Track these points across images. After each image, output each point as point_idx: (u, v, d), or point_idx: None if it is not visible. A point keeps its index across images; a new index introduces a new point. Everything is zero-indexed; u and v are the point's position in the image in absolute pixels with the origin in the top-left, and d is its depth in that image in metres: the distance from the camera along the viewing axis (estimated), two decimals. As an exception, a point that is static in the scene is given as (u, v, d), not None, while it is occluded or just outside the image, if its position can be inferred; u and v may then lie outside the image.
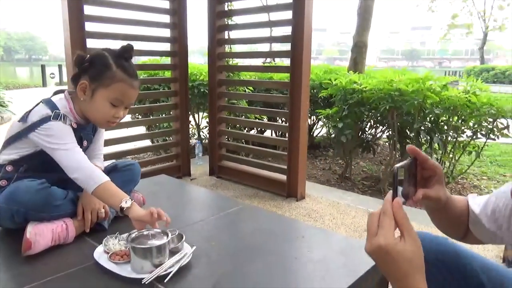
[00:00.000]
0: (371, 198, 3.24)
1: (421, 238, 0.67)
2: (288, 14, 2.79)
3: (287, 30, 2.99)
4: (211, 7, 3.29)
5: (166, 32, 3.28)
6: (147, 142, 4.10)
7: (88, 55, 1.28)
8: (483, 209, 0.84)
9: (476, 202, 0.86)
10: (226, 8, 3.34)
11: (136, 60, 4.35)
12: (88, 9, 2.70)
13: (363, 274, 1.01)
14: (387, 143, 4.54)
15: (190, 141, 3.96)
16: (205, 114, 4.84)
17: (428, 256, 0.66)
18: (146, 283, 0.93)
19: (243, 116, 3.97)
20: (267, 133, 4.77)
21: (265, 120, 4.46)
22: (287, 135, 3.05)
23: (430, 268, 0.67)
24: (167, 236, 1.03)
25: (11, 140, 1.24)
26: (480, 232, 0.84)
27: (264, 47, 3.66)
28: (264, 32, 3.16)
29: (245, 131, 4.35)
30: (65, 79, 18.89)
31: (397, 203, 0.63)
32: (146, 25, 3.18)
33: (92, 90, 1.24)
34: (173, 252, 1.05)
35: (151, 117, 3.88)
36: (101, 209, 1.24)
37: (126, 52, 1.27)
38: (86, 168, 1.16)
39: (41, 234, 1.09)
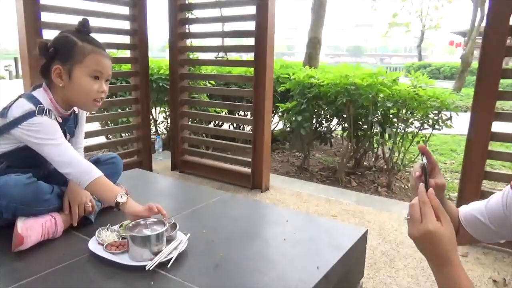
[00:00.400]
0: (330, 187, 3.41)
1: None
2: (251, 9, 2.84)
3: (243, 25, 3.06)
4: (172, 0, 3.27)
5: (126, 25, 3.21)
6: (102, 139, 3.98)
7: (49, 42, 1.25)
8: (484, 208, 0.97)
9: (473, 207, 0.97)
10: (187, 1, 3.33)
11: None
12: (44, -1, 2.58)
13: (348, 249, 1.11)
14: (339, 135, 4.76)
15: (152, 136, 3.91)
16: (162, 109, 4.80)
17: None
18: (150, 269, 0.96)
19: (204, 110, 3.98)
20: (224, 127, 4.80)
21: (223, 113, 4.50)
22: (251, 128, 3.12)
23: None
24: (164, 224, 1.06)
25: None
26: (479, 231, 0.95)
27: (228, 42, 3.69)
28: (226, 27, 3.17)
29: (209, 125, 4.36)
30: (21, 71, 17.28)
31: (432, 193, 0.74)
32: (105, 16, 3.09)
33: (68, 72, 1.22)
34: (168, 240, 1.08)
35: (108, 112, 3.78)
36: (88, 202, 1.23)
37: (85, 26, 1.27)
38: (79, 163, 1.16)
39: (31, 229, 1.07)
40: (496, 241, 0.98)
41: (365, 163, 4.08)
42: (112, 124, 3.94)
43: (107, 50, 1.31)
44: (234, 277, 0.97)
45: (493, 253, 2.18)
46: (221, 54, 4.67)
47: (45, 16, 2.58)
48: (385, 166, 3.83)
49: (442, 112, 3.40)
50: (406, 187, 3.65)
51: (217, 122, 4.72)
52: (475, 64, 15.40)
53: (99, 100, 1.28)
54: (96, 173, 1.16)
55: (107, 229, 1.15)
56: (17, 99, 1.21)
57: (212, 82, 3.96)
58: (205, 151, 3.69)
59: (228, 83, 4.33)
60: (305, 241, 1.17)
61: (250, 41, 2.94)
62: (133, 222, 1.07)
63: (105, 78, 1.28)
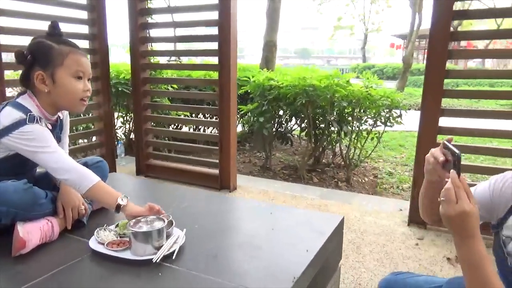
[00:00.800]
0: (294, 184, 3.57)
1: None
2: (214, 15, 2.92)
3: (206, 30, 3.14)
4: (131, 5, 3.26)
5: (85, 29, 3.16)
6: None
7: (25, 50, 1.26)
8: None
9: None
10: (147, 6, 3.35)
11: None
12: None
13: (329, 235, 1.24)
14: (296, 135, 4.96)
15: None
16: (120, 114, 4.72)
17: None
18: (157, 261, 1.02)
19: (165, 114, 3.99)
20: (184, 129, 4.82)
21: (182, 116, 4.52)
22: (215, 130, 3.20)
23: None
24: (164, 221, 1.13)
25: None
26: None
27: (190, 46, 3.75)
28: (189, 31, 3.23)
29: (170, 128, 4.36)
30: None
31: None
32: (63, 21, 3.02)
33: (50, 76, 1.23)
34: (167, 236, 1.14)
35: (70, 118, 3.67)
36: (81, 205, 1.26)
37: (56, 29, 1.29)
38: (77, 168, 1.18)
39: (31, 233, 1.09)
40: None
41: (324, 160, 4.29)
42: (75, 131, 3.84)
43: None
44: (234, 263, 1.06)
45: (445, 235, 2.42)
46: (173, 58, 4.69)
47: (2, 21, 2.51)
48: (343, 163, 4.06)
49: (393, 110, 3.68)
50: (363, 181, 3.91)
51: (178, 125, 4.74)
52: (415, 65, 16.50)
53: (86, 99, 1.31)
54: (94, 178, 1.19)
55: (105, 229, 1.19)
56: (3, 108, 1.21)
57: (174, 85, 3.99)
58: (171, 154, 3.71)
59: (188, 87, 4.37)
60: (291, 229, 1.29)
61: (213, 45, 3.02)
62: (133, 220, 1.12)
63: (87, 76, 1.30)
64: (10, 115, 1.17)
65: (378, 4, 29.83)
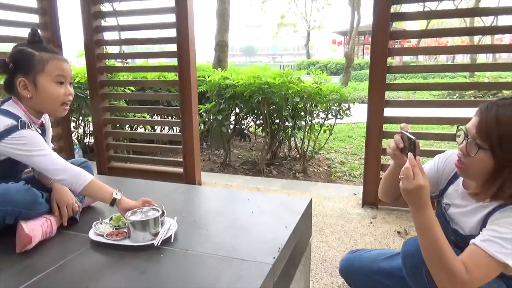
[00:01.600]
0: (255, 177, 3.75)
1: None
2: (171, 17, 3.01)
3: (164, 32, 3.21)
4: (85, 8, 3.25)
5: (35, 18, 3.13)
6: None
7: (7, 58, 1.32)
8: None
9: None
10: (101, 9, 3.35)
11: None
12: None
13: (302, 213, 1.43)
14: (252, 132, 5.15)
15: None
16: (72, 118, 4.63)
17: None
18: (157, 245, 1.15)
19: (123, 116, 4.01)
20: (140, 130, 4.84)
21: (148, 118, 4.55)
22: (178, 129, 3.29)
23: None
24: (158, 210, 1.25)
25: None
26: None
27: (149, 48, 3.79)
28: (147, 34, 3.29)
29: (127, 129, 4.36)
30: None
31: (418, 159, 1.09)
32: (14, 25, 2.97)
33: (32, 83, 1.29)
34: (161, 223, 1.26)
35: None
36: (75, 203, 1.34)
37: (35, 36, 1.35)
38: (72, 168, 1.26)
39: (35, 230, 1.16)
40: None
41: (281, 154, 4.52)
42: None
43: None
44: (226, 242, 1.21)
45: (394, 212, 2.72)
46: (118, 60, 4.68)
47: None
48: (299, 155, 4.31)
49: (342, 103, 3.98)
50: (319, 171, 4.18)
51: (134, 127, 4.74)
52: (356, 60, 17.37)
53: (68, 103, 1.38)
54: (88, 176, 1.27)
55: (101, 223, 1.28)
56: None
57: (131, 88, 4.01)
58: (133, 156, 3.74)
59: (143, 88, 4.40)
60: (269, 211, 1.45)
61: (171, 47, 3.11)
62: (129, 212, 1.23)
63: (68, 81, 1.37)
64: (1, 122, 1.23)
65: (318, 2, 30.91)
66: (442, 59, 23.87)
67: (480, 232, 1.14)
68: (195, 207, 1.56)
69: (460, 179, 1.35)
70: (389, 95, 10.00)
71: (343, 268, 1.66)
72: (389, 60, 2.75)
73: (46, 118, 1.47)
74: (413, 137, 1.15)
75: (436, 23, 22.72)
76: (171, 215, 1.33)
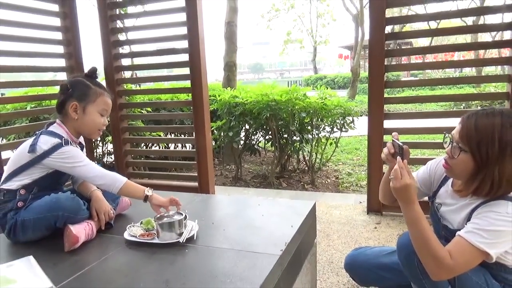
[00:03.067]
0: (266, 189, 3.95)
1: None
2: (184, 43, 3.28)
3: (177, 57, 3.48)
4: (104, 37, 3.55)
5: (60, 49, 3.42)
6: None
7: (68, 83, 1.59)
8: (416, 177, 1.56)
9: None
10: (119, 38, 3.65)
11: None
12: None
13: (306, 215, 1.62)
14: (261, 147, 5.36)
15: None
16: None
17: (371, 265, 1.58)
18: (183, 242, 1.35)
19: (140, 135, 4.27)
20: (154, 148, 5.10)
21: (162, 136, 4.81)
22: (192, 146, 3.52)
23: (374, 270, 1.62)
24: (182, 214, 1.46)
25: (23, 168, 1.47)
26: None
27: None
28: (161, 59, 3.56)
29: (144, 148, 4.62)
30: None
31: (405, 162, 1.30)
32: (42, 56, 3.28)
33: (82, 108, 1.57)
34: (184, 225, 1.47)
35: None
36: (110, 210, 1.56)
37: (94, 73, 1.65)
38: (108, 174, 1.49)
39: (80, 232, 1.38)
40: (420, 199, 1.59)
41: (290, 167, 4.71)
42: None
43: (43, 74, 1.69)
44: (241, 238, 1.40)
45: (398, 218, 2.89)
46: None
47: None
48: (307, 167, 4.50)
49: (346, 117, 4.18)
50: (327, 182, 4.35)
51: (149, 145, 5.00)
52: (363, 73, 17.61)
53: (101, 130, 1.65)
54: (123, 178, 1.51)
55: (133, 226, 1.49)
56: (38, 136, 1.50)
57: (148, 108, 4.28)
58: (151, 172, 3.98)
59: (157, 109, 4.68)
60: (277, 214, 1.65)
61: (184, 70, 3.38)
62: (158, 216, 1.44)
63: (107, 114, 1.66)
64: (48, 141, 1.47)
65: (324, 18, 31.42)
66: (450, 71, 23.91)
67: (465, 225, 1.33)
68: (212, 212, 1.77)
69: (450, 181, 1.55)
70: (395, 107, 10.18)
71: (348, 264, 1.85)
72: (396, 73, 2.97)
73: (81, 139, 1.71)
74: (401, 144, 1.36)
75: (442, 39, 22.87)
76: (192, 218, 1.54)
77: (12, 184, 1.48)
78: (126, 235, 1.43)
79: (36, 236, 1.46)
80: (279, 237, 1.40)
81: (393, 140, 1.43)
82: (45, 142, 1.48)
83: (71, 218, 1.41)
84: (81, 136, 1.69)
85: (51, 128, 1.55)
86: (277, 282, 1.23)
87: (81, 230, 1.39)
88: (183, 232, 1.42)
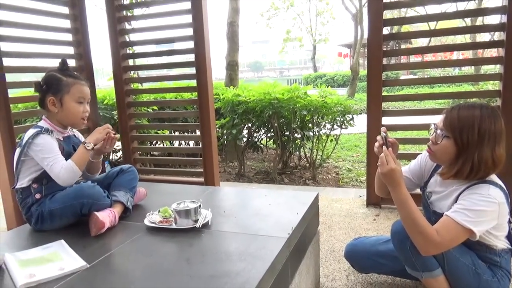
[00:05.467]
0: (269, 185, 4.09)
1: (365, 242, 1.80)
2: (190, 44, 3.41)
3: (184, 57, 3.62)
4: (113, 39, 3.68)
5: (70, 50, 3.55)
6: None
7: (41, 80, 1.72)
8: (408, 169, 1.70)
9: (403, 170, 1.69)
10: (127, 39, 3.78)
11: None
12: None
13: (310, 204, 1.76)
14: (263, 144, 5.49)
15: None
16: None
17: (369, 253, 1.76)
18: (199, 227, 1.49)
19: (146, 133, 4.41)
20: (159, 145, 5.23)
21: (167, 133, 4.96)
22: (196, 143, 3.65)
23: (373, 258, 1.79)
24: (196, 202, 1.59)
25: (20, 163, 1.61)
26: (406, 183, 1.63)
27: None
28: (168, 59, 3.70)
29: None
30: None
31: (391, 151, 1.46)
32: (53, 57, 3.41)
33: (59, 101, 1.68)
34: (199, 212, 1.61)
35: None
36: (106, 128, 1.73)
37: (64, 65, 1.76)
38: (66, 170, 1.58)
39: (106, 218, 1.51)
40: (413, 189, 1.73)
41: (291, 163, 4.85)
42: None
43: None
44: (251, 224, 1.54)
45: (396, 211, 3.02)
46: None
47: (4, 46, 2.86)
48: (308, 164, 4.63)
49: (346, 115, 4.32)
50: (327, 177, 4.50)
51: (153, 142, 5.14)
52: (362, 71, 17.73)
53: (85, 118, 1.76)
54: (69, 163, 1.59)
55: (152, 214, 1.63)
56: (27, 131, 1.65)
57: (155, 107, 4.41)
58: (158, 168, 4.12)
59: (162, 107, 4.81)
60: (283, 203, 1.79)
61: (190, 69, 3.52)
62: (175, 204, 1.57)
63: (86, 101, 1.76)
64: (30, 132, 1.62)
65: (323, 17, 31.53)
66: (450, 69, 24.01)
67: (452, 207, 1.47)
68: (222, 202, 1.90)
69: (438, 171, 1.69)
70: (395, 105, 10.33)
71: (348, 252, 1.99)
72: (396, 71, 3.10)
73: (77, 133, 1.86)
74: (386, 135, 1.52)
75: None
76: (205, 207, 1.68)
77: (23, 182, 1.63)
78: (146, 222, 1.57)
79: (63, 224, 1.60)
80: (286, 223, 1.54)
81: (381, 133, 1.58)
82: (28, 134, 1.63)
83: (95, 204, 1.55)
84: (75, 130, 1.83)
85: (38, 123, 1.70)
86: (285, 262, 1.37)
87: (106, 217, 1.53)
88: (198, 219, 1.56)
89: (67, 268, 1.22)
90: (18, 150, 1.63)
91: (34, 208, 1.60)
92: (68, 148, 1.71)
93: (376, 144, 1.58)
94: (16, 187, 1.64)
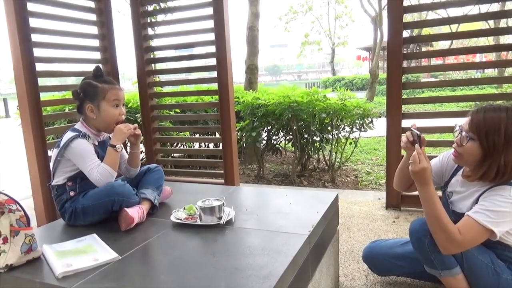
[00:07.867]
0: (288, 187, 4.14)
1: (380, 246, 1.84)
2: (212, 48, 3.50)
3: (206, 62, 3.71)
4: (138, 44, 3.80)
5: (97, 55, 3.69)
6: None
7: (78, 89, 1.80)
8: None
9: None
10: (151, 44, 3.90)
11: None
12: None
13: (330, 203, 1.81)
14: (282, 147, 5.54)
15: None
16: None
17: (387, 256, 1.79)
18: (223, 223, 1.56)
19: (168, 135, 4.52)
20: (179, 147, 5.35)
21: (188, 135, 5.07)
22: (217, 144, 3.73)
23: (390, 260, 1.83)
24: (220, 200, 1.66)
25: (57, 164, 1.71)
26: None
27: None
28: (188, 63, 3.81)
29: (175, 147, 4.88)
30: (10, 110, 18.31)
31: (423, 149, 1.49)
32: (82, 62, 3.56)
33: (97, 107, 1.77)
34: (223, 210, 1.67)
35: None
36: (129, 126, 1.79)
37: (98, 72, 1.83)
38: (102, 175, 1.68)
39: (135, 214, 1.60)
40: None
41: (310, 166, 4.88)
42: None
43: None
44: (273, 222, 1.60)
45: (415, 214, 3.03)
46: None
47: (37, 52, 3.00)
48: (327, 166, 4.66)
49: (365, 118, 4.33)
50: (346, 180, 4.51)
51: (175, 144, 5.26)
52: (382, 75, 17.58)
53: (122, 121, 1.83)
54: (103, 164, 1.68)
55: (177, 211, 1.71)
56: (64, 133, 1.75)
57: (177, 110, 4.52)
58: (180, 170, 4.23)
59: (184, 110, 4.92)
60: (303, 202, 1.84)
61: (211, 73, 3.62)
62: (200, 202, 1.64)
63: (122, 103, 1.84)
64: (68, 136, 1.71)
65: (342, 20, 31.43)
66: (473, 71, 23.53)
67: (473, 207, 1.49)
68: (244, 201, 1.96)
69: (461, 171, 1.71)
70: (415, 108, 10.21)
71: (366, 254, 2.02)
72: (416, 74, 3.11)
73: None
74: (419, 133, 1.55)
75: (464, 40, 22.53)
76: (227, 206, 1.74)
77: (59, 180, 1.72)
78: (172, 218, 1.65)
79: (95, 219, 1.69)
80: (307, 221, 1.58)
81: (411, 130, 1.61)
82: (66, 136, 1.72)
83: (125, 201, 1.63)
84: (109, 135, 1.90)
85: (76, 127, 1.80)
86: (306, 258, 1.42)
87: (135, 213, 1.61)
88: (222, 216, 1.62)
89: (101, 259, 1.30)
90: (55, 151, 1.73)
91: (68, 204, 1.70)
92: (103, 153, 1.79)
93: (404, 139, 1.61)
94: (52, 184, 1.74)
